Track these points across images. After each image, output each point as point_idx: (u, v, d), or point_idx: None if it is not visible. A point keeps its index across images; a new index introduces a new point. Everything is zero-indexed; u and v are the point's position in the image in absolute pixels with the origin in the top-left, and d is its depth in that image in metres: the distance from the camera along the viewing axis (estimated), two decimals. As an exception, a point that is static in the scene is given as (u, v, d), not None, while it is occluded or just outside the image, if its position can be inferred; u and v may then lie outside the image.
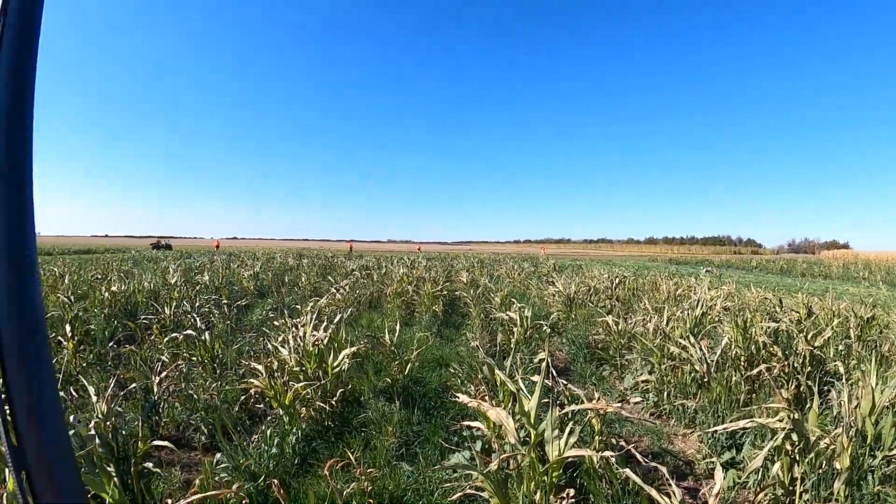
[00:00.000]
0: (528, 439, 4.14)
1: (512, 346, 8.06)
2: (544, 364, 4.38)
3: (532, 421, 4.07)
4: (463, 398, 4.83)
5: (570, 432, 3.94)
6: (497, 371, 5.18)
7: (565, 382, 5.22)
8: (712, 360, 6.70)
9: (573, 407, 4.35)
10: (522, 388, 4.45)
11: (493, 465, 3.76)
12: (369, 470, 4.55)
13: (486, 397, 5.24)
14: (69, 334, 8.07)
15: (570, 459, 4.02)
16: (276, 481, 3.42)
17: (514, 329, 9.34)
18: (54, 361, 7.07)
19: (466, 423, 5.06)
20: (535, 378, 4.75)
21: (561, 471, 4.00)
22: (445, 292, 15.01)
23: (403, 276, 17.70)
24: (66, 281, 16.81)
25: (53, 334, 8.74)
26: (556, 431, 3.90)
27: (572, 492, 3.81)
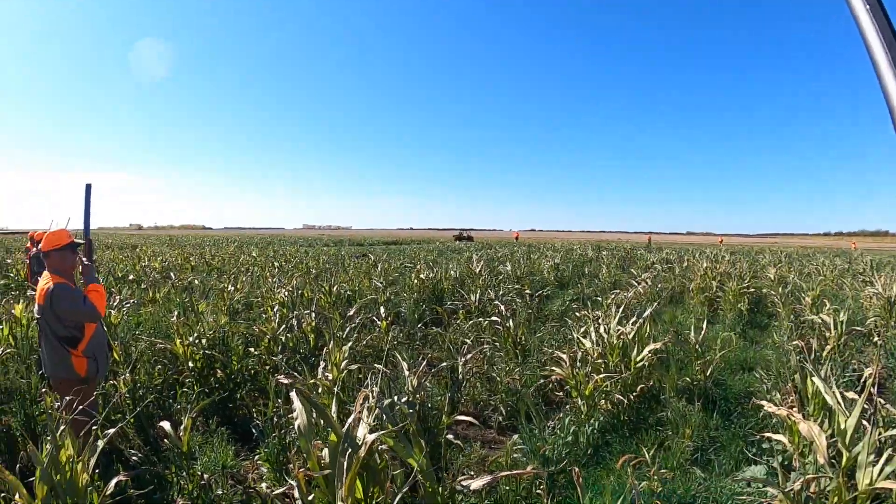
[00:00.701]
0: (836, 461, 3.80)
1: (824, 353, 7.28)
2: (869, 377, 3.95)
3: (847, 442, 3.68)
4: (769, 406, 4.49)
5: (889, 459, 3.55)
6: (814, 378, 4.71)
7: (883, 402, 4.68)
8: None
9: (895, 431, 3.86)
10: (840, 402, 4.02)
11: (796, 486, 3.47)
12: (662, 471, 4.47)
13: (794, 408, 4.90)
14: (383, 314, 8.89)
15: (878, 490, 3.61)
16: (576, 469, 3.50)
17: (827, 334, 8.45)
18: (369, 338, 7.86)
19: (768, 434, 4.72)
20: (853, 395, 4.34)
21: (869, 502, 3.61)
22: (752, 290, 13.96)
23: (707, 270, 16.72)
24: (379, 268, 18.59)
25: (368, 314, 9.67)
26: (872, 457, 3.52)
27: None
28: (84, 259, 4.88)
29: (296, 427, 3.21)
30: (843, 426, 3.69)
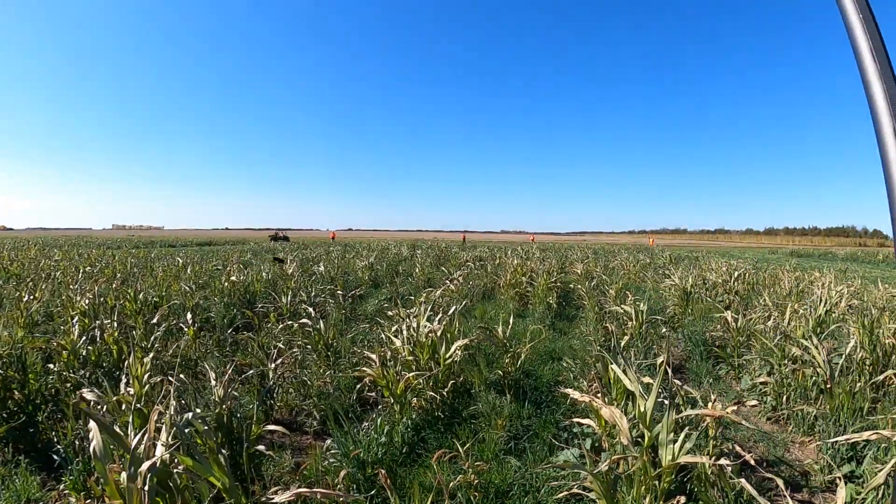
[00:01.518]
0: (641, 441, 4.02)
1: (623, 342, 7.83)
2: (662, 363, 4.23)
3: (647, 422, 3.94)
4: (574, 394, 4.74)
5: (686, 437, 3.81)
6: (613, 367, 5.00)
7: (681, 383, 5.04)
8: (836, 364, 6.30)
9: (690, 411, 4.15)
10: (639, 387, 4.29)
11: (604, 466, 3.67)
12: (477, 463, 4.54)
13: (599, 394, 5.15)
14: (190, 321, 8.47)
15: (682, 464, 3.87)
16: (382, 471, 3.46)
17: (630, 323, 9.11)
18: (175, 346, 7.49)
19: (577, 419, 4.96)
20: (648, 379, 4.64)
21: (673, 476, 3.86)
22: (560, 284, 14.80)
23: (517, 267, 17.47)
24: (189, 271, 17.75)
25: (175, 321, 9.21)
26: (672, 435, 3.77)
27: (683, 499, 3.62)
28: None
29: (90, 450, 2.93)
30: (642, 409, 3.96)
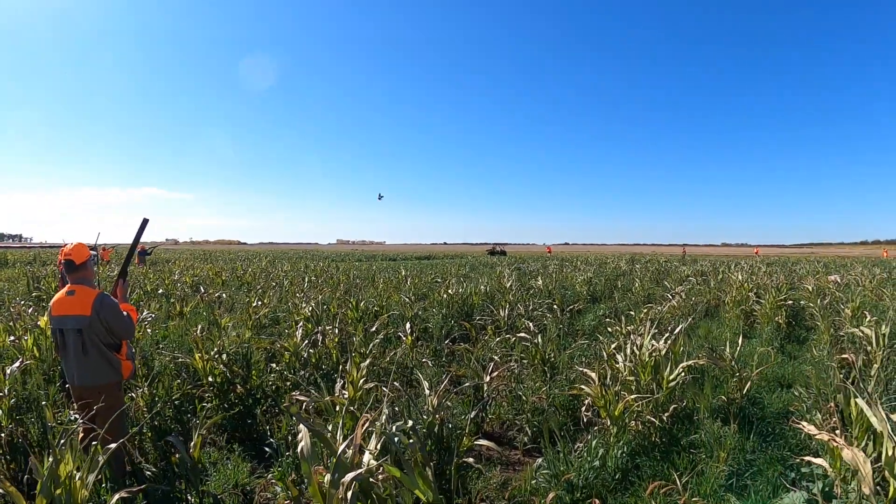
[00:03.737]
0: (883, 491, 3.53)
1: (872, 372, 6.89)
2: None
3: (895, 471, 3.44)
4: (810, 428, 4.19)
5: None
6: (857, 400, 4.39)
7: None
8: None
9: None
10: (888, 427, 3.71)
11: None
12: (694, 499, 4.23)
13: (837, 431, 4.62)
14: (408, 330, 8.77)
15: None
16: (595, 501, 3.30)
17: (868, 348, 8.04)
18: (393, 354, 7.75)
19: (807, 458, 4.46)
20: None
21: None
22: (790, 302, 13.47)
23: (743, 282, 16.25)
24: (409, 283, 18.51)
25: (394, 330, 9.59)
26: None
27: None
28: (121, 280, 5.06)
29: (298, 451, 3.07)
30: (890, 453, 3.42)
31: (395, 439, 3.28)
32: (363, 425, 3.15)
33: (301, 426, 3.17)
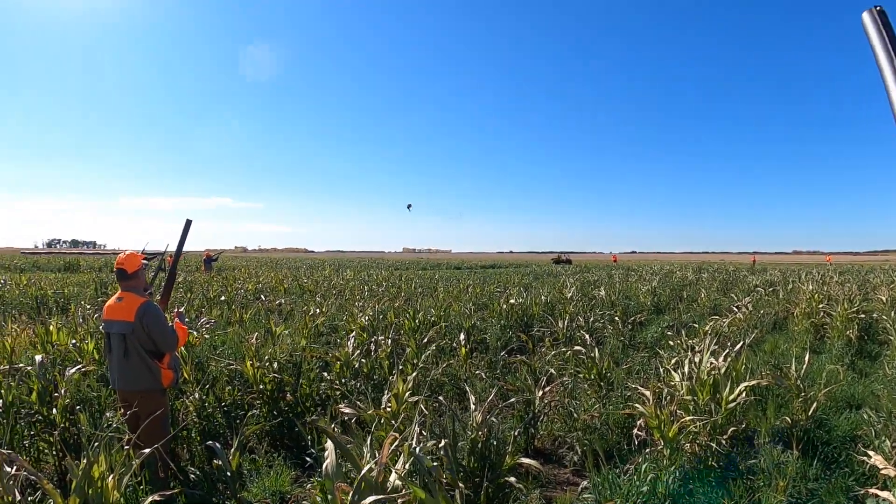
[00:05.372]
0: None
1: None
2: None
3: None
4: (876, 459, 3.90)
5: None
6: None
7: None
8: None
9: None
10: None
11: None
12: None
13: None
14: (463, 341, 8.68)
15: None
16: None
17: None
18: (445, 365, 7.67)
19: (874, 490, 4.18)
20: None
21: None
22: (862, 314, 12.71)
23: (813, 293, 15.50)
24: (469, 292, 18.45)
25: (448, 341, 9.52)
26: None
27: None
28: (160, 294, 5.27)
29: (323, 468, 3.01)
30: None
31: (423, 459, 3.17)
32: (390, 443, 3.07)
33: (328, 442, 3.12)
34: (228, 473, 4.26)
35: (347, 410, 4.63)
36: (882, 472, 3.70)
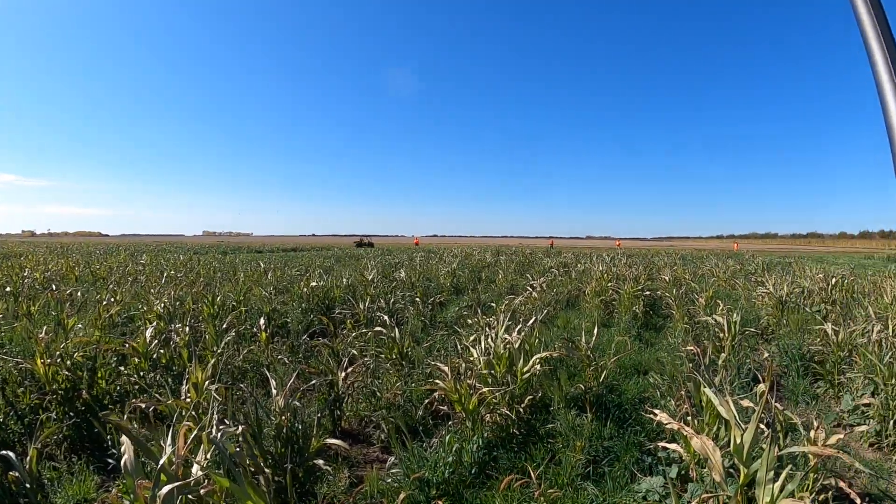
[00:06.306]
0: (734, 476, 3.59)
1: (720, 360, 7.13)
2: (764, 393, 3.70)
3: (744, 457, 3.42)
4: (661, 416, 4.31)
5: (790, 477, 3.32)
6: (706, 390, 4.43)
7: (781, 407, 4.55)
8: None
9: (795, 448, 3.63)
10: (735, 415, 3.72)
11: (694, 503, 3.28)
12: (550, 490, 4.18)
13: (689, 417, 4.72)
14: (263, 326, 8.47)
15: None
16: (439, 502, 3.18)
17: (721, 335, 8.41)
18: (246, 352, 7.42)
19: (662, 444, 4.56)
20: (748, 402, 4.20)
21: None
22: (647, 292, 14.22)
23: (603, 273, 17.13)
24: (269, 276, 18.15)
25: (249, 326, 9.26)
26: (771, 474, 3.27)
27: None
28: None
29: (122, 464, 2.78)
30: (738, 440, 3.45)
31: (223, 447, 3.01)
32: (184, 434, 2.93)
33: (123, 437, 2.89)
34: (28, 485, 3.83)
35: (144, 405, 4.32)
36: (667, 426, 4.07)
